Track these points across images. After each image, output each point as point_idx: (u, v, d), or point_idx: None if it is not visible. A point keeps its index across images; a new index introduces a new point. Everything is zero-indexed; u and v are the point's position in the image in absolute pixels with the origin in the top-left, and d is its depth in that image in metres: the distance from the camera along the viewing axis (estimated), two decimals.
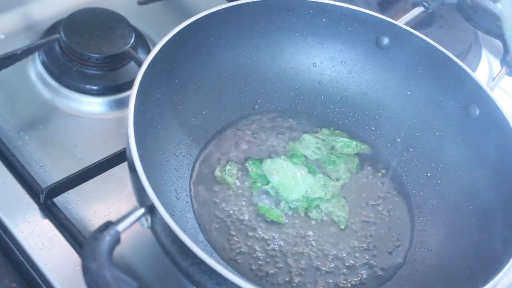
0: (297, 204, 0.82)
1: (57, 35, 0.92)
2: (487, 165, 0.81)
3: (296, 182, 0.82)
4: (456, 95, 0.85)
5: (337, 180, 0.85)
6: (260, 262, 0.77)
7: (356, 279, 0.77)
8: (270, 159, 0.85)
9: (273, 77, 0.91)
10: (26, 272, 0.76)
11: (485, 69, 1.12)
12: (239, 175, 0.83)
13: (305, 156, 0.87)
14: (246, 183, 0.83)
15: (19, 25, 0.98)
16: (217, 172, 0.83)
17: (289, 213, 0.81)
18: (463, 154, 0.85)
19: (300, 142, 0.88)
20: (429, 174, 0.87)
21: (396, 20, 0.89)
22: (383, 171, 0.88)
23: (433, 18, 1.11)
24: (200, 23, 0.81)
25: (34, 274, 0.75)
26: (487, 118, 0.82)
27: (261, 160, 0.84)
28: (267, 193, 0.82)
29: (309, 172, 0.84)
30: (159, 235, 0.67)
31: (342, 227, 0.81)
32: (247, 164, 0.84)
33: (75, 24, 0.94)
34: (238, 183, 0.83)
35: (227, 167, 0.84)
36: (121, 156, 0.81)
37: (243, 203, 0.81)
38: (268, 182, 0.82)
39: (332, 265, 0.78)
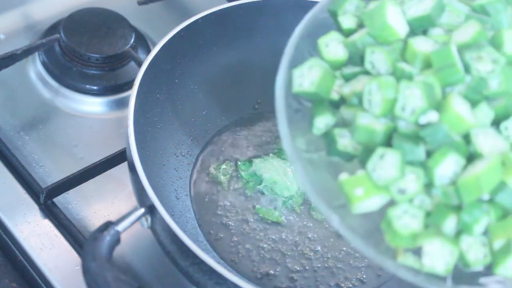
0: (292, 201, 0.82)
1: (57, 35, 0.92)
2: None
3: (288, 179, 0.82)
4: None
5: None
6: (260, 262, 0.77)
7: (356, 279, 0.77)
8: (259, 158, 0.85)
9: (273, 77, 0.91)
10: (26, 272, 0.76)
11: None
12: (234, 175, 0.83)
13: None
14: (239, 183, 0.83)
15: (19, 25, 0.98)
16: (212, 170, 0.83)
17: (289, 213, 0.81)
18: None
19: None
20: None
21: None
22: None
23: None
24: (200, 23, 0.81)
25: (34, 274, 0.75)
26: None
27: (250, 161, 0.84)
28: (263, 193, 0.82)
29: None
30: (159, 235, 0.67)
31: None
32: (237, 166, 0.84)
33: (75, 24, 0.94)
34: (232, 183, 0.83)
35: (223, 166, 0.84)
36: (121, 156, 0.81)
37: (243, 203, 0.81)
38: (261, 182, 0.82)
39: (332, 265, 0.78)
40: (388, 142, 0.55)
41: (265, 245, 0.78)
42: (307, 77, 0.59)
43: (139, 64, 0.84)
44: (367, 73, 0.59)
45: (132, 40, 0.94)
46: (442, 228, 0.54)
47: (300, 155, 0.56)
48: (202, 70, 0.86)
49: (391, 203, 0.55)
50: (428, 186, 0.55)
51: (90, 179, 0.81)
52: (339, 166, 0.58)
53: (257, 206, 0.81)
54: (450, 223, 0.54)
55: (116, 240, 0.63)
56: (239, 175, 0.83)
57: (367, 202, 0.54)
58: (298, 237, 0.79)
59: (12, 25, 0.98)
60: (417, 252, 0.54)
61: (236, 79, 0.89)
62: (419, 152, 0.54)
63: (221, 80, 0.88)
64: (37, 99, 0.90)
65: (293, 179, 0.82)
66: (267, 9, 0.86)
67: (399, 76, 0.56)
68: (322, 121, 0.59)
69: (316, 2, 0.87)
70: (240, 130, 0.88)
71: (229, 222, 0.79)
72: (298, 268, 0.77)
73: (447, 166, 0.53)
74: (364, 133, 0.56)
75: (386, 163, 0.53)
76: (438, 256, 0.53)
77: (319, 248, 0.79)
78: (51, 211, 0.78)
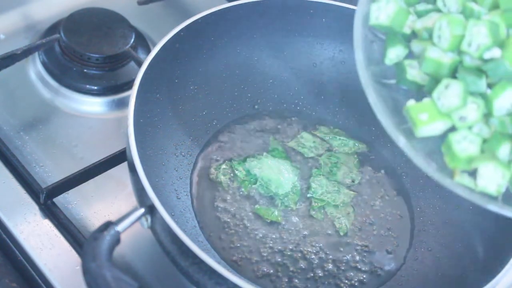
0: (288, 198, 0.82)
1: (57, 35, 0.92)
2: None
3: (283, 176, 0.82)
4: None
5: (353, 181, 0.85)
6: (260, 262, 0.77)
7: (356, 279, 0.77)
8: (253, 157, 0.85)
9: (273, 77, 0.91)
10: (26, 272, 0.76)
11: None
12: (234, 175, 0.83)
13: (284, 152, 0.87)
14: (235, 183, 0.83)
15: (19, 25, 0.98)
16: (212, 170, 0.83)
17: (289, 213, 0.81)
18: None
19: (297, 140, 0.88)
20: None
21: None
22: (383, 171, 0.88)
23: None
24: (200, 23, 0.81)
25: (34, 274, 0.75)
26: None
27: (244, 160, 0.84)
28: (260, 192, 0.82)
29: (292, 165, 0.84)
30: (159, 235, 0.67)
31: (342, 234, 0.81)
32: (232, 165, 0.84)
33: (75, 24, 0.94)
34: (232, 183, 0.83)
35: (223, 166, 0.84)
36: (121, 156, 0.81)
37: (242, 203, 0.81)
38: (256, 181, 0.82)
39: (332, 265, 0.78)
40: (453, 74, 0.61)
41: (265, 245, 0.78)
42: (384, 11, 0.64)
43: (139, 64, 0.84)
44: (438, 11, 0.64)
45: (132, 40, 0.94)
46: (496, 154, 0.59)
47: (372, 81, 0.62)
48: (202, 70, 0.86)
49: (452, 129, 0.60)
50: (487, 115, 0.60)
51: (90, 179, 0.81)
52: (407, 94, 0.64)
53: (257, 206, 0.81)
54: (504, 150, 0.59)
55: (116, 240, 0.63)
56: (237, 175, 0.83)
57: (430, 126, 0.60)
58: (298, 237, 0.79)
59: (12, 25, 0.98)
60: (472, 174, 0.60)
61: (236, 79, 0.89)
62: (481, 84, 0.59)
63: (221, 80, 0.88)
64: (37, 99, 0.90)
65: (288, 176, 0.82)
66: (267, 9, 0.86)
67: (468, 15, 0.61)
68: (394, 52, 0.65)
69: (317, 2, 0.88)
70: (241, 130, 0.88)
71: (229, 222, 0.79)
72: (298, 268, 0.77)
73: (506, 98, 0.58)
74: (432, 65, 0.61)
75: (450, 93, 0.59)
76: (490, 178, 0.59)
77: (319, 248, 0.79)
78: (51, 211, 0.78)
